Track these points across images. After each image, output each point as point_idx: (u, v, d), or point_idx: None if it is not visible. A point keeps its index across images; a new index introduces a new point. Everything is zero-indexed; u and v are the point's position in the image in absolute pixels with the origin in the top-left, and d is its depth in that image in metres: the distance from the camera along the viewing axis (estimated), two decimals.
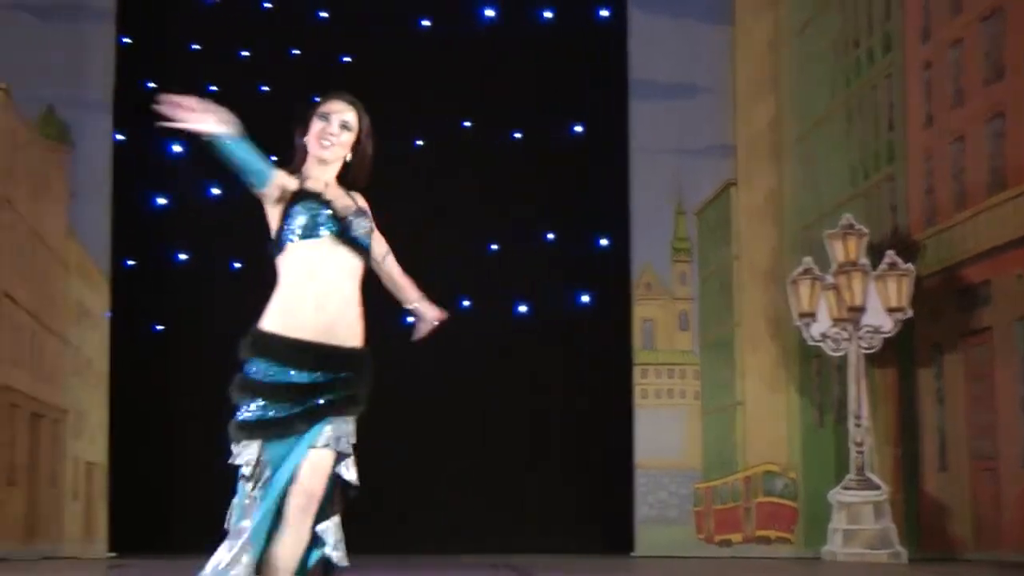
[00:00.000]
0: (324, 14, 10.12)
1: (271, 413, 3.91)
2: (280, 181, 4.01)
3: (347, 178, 4.10)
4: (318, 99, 4.09)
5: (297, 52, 9.89)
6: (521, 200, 10.16)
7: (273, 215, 4.03)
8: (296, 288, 3.98)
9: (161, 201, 9.97)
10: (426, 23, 10.27)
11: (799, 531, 10.07)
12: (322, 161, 4.07)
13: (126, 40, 9.91)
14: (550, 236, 10.42)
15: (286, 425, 3.90)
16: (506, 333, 10.21)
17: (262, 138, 9.95)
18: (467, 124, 10.01)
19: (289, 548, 3.87)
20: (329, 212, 3.97)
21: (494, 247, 10.37)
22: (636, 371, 10.33)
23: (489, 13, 10.37)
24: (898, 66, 10.11)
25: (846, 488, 9.26)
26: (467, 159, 10.06)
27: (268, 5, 10.04)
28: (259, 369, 3.94)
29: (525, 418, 10.05)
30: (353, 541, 3.93)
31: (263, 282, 9.44)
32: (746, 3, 10.73)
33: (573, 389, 10.14)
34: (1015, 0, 9.10)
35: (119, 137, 9.80)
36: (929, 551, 9.36)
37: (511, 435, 10.02)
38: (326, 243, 3.97)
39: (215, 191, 9.95)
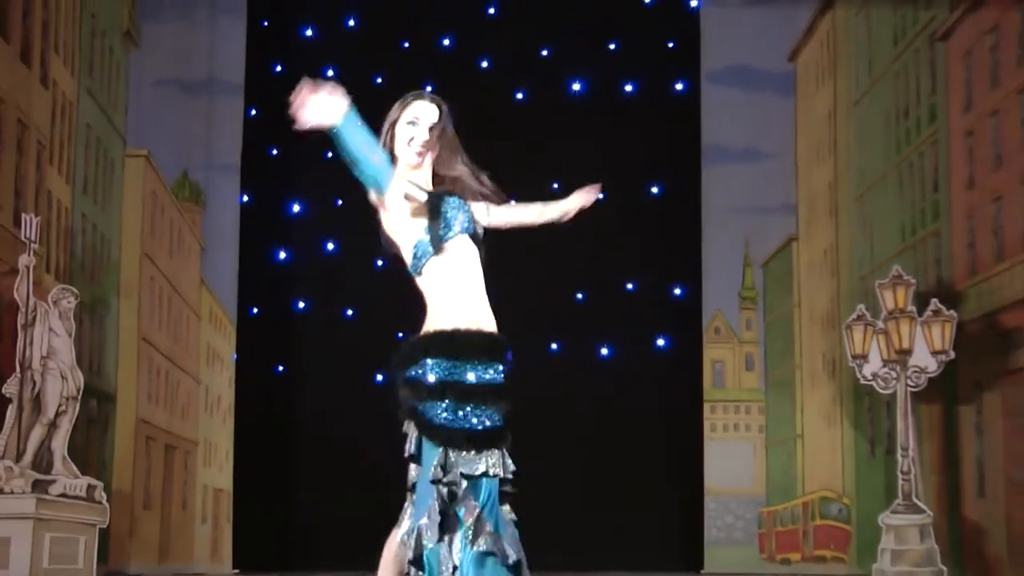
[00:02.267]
0: (429, 87, 10.51)
1: (464, 424, 3.79)
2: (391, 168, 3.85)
3: (440, 168, 4.00)
4: (398, 106, 4.05)
5: None
6: (605, 253, 10.42)
7: (402, 218, 3.87)
8: (454, 288, 3.87)
9: (282, 255, 10.41)
10: (520, 96, 10.71)
11: (852, 551, 10.33)
12: (416, 166, 3.98)
13: (253, 111, 10.51)
14: (630, 286, 10.63)
15: (470, 438, 3.80)
16: (590, 373, 10.44)
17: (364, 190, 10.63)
18: (556, 186, 9.69)
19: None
20: (469, 213, 3.95)
21: (580, 296, 10.62)
22: (706, 407, 10.63)
23: (576, 87, 10.72)
24: (943, 134, 10.29)
25: (894, 512, 9.29)
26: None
27: (379, 80, 10.38)
28: (436, 370, 3.78)
29: (607, 449, 10.24)
30: None
31: (372, 328, 10.29)
32: (808, 77, 11.02)
33: (650, 423, 10.33)
34: None
35: (245, 198, 10.40)
36: (969, 570, 9.53)
37: (594, 464, 10.24)
38: (467, 241, 3.93)
39: (330, 246, 10.33)
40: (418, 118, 4.02)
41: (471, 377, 3.85)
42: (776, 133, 10.76)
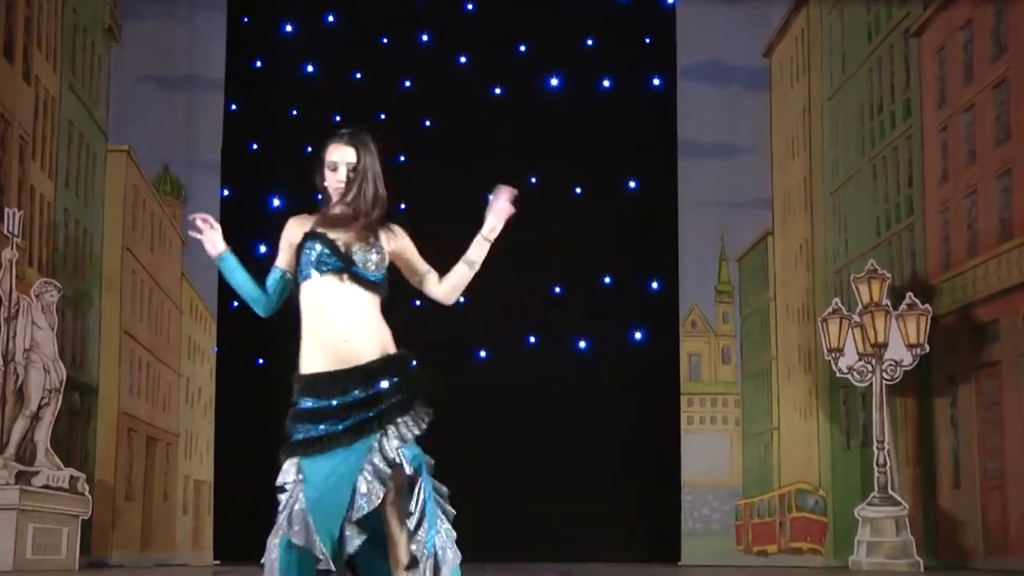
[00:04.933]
0: (408, 83, 10.79)
1: (313, 433, 3.98)
2: (288, 247, 4.14)
3: (358, 213, 4.08)
4: (324, 147, 4.15)
5: (383, 117, 10.48)
6: (582, 248, 10.64)
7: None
8: (309, 327, 4.07)
9: (262, 249, 10.12)
10: (498, 91, 10.90)
11: (828, 543, 10.43)
12: (339, 202, 4.12)
13: (233, 107, 10.66)
14: (607, 280, 10.82)
15: (329, 441, 3.95)
16: (568, 366, 10.60)
17: None
18: (533, 180, 10.45)
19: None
20: (328, 251, 4.03)
21: (557, 290, 10.81)
22: (683, 400, 10.76)
23: (554, 82, 10.92)
24: (917, 129, 10.40)
25: (870, 504, 9.53)
26: (534, 211, 10.02)
27: (358, 76, 10.73)
28: (304, 403, 4.06)
29: (584, 441, 10.40)
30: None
31: None
32: (782, 73, 11.15)
33: (627, 416, 10.48)
34: (1021, 70, 9.35)
35: (225, 192, 10.54)
36: (944, 560, 9.65)
37: (571, 456, 10.38)
38: (331, 280, 4.03)
39: None
40: (336, 162, 4.19)
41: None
42: (751, 128, 10.88)
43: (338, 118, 10.53)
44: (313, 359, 4.09)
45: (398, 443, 4.01)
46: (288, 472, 4.05)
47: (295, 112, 10.77)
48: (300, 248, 4.14)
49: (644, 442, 10.63)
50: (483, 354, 10.81)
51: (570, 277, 10.84)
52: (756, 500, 10.77)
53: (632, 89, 10.96)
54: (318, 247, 4.08)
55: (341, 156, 4.18)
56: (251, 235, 10.06)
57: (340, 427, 3.98)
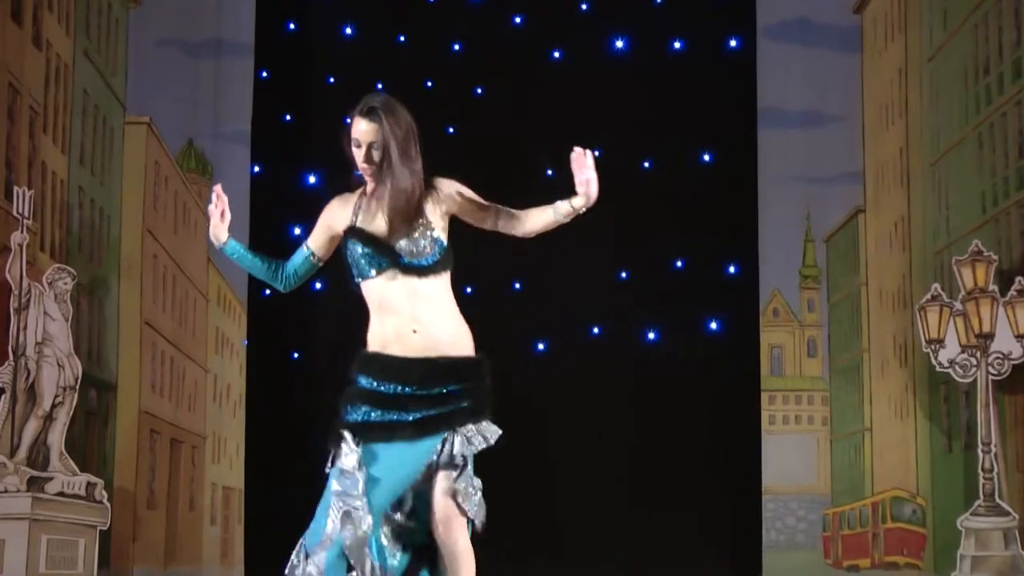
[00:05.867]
0: (457, 47, 10.76)
1: (374, 416, 4.14)
2: (325, 231, 4.32)
3: (389, 195, 4.20)
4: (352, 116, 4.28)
5: (431, 84, 10.52)
6: (651, 228, 10.58)
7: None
8: (378, 321, 4.23)
9: (297, 231, 10.33)
10: (557, 55, 10.82)
11: (927, 557, 10.36)
12: (372, 182, 4.27)
13: (264, 74, 10.67)
14: (679, 263, 10.75)
15: (392, 429, 4.13)
16: (636, 359, 10.59)
17: None
18: (597, 153, 10.38)
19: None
20: (370, 250, 4.18)
21: (623, 275, 10.76)
22: (764, 397, 10.73)
23: (619, 44, 10.84)
24: None
25: (975, 514, 9.51)
26: (598, 187, 10.60)
27: (402, 39, 10.70)
28: (366, 382, 4.21)
29: (653, 443, 10.40)
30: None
31: None
32: (875, 31, 11.06)
33: (702, 415, 10.44)
34: None
35: (256, 169, 10.54)
36: None
37: (639, 459, 10.40)
38: (387, 277, 4.20)
39: None
40: (358, 140, 4.30)
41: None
42: (840, 94, 10.84)
43: (380, 86, 10.51)
44: (380, 342, 4.22)
45: (462, 450, 4.18)
46: (349, 457, 4.12)
47: (332, 79, 10.74)
48: (343, 247, 4.30)
49: (720, 444, 10.60)
50: (541, 347, 10.76)
51: (638, 261, 10.79)
52: (846, 509, 10.77)
53: (707, 51, 10.89)
54: (360, 248, 4.21)
55: (362, 134, 4.27)
56: (284, 215, 10.35)
57: (409, 417, 4.13)
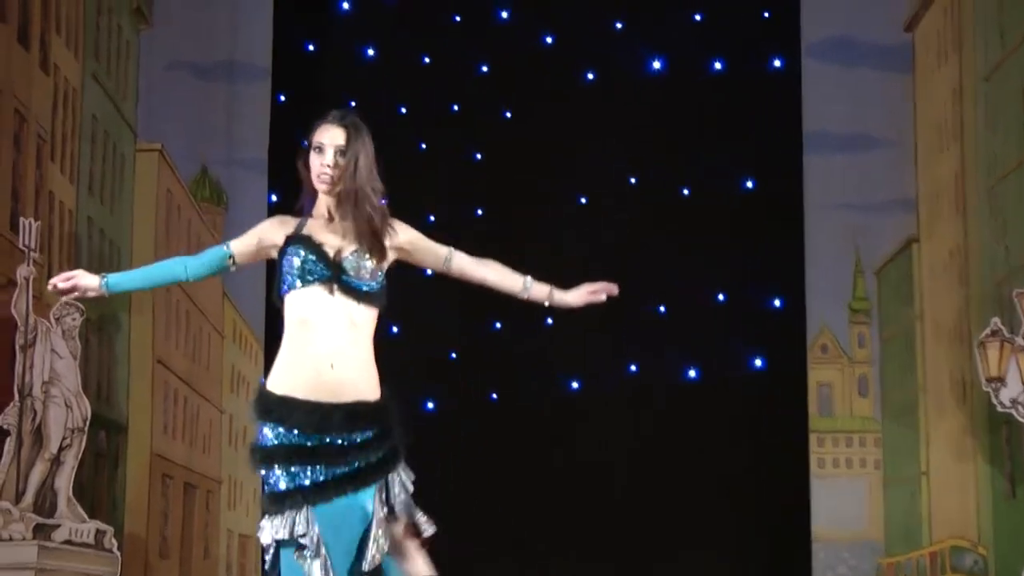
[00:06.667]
0: (484, 68, 10.87)
1: (304, 481, 4.11)
2: (256, 240, 4.29)
3: (347, 209, 4.24)
4: (310, 131, 4.37)
5: (457, 108, 10.64)
6: (690, 259, 10.63)
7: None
8: (294, 344, 4.20)
9: None
10: (590, 76, 10.90)
11: None
12: (326, 194, 4.30)
13: (282, 97, 10.80)
14: (721, 297, 10.82)
15: (328, 489, 4.11)
16: (674, 398, 10.63)
17: (420, 194, 11.04)
18: (633, 180, 10.60)
19: None
20: (313, 257, 4.17)
21: (662, 309, 10.81)
22: (812, 439, 10.72)
23: (656, 65, 10.93)
24: None
25: None
26: (633, 217, 10.63)
27: (426, 60, 10.82)
28: (273, 434, 4.16)
29: (695, 487, 10.42)
30: None
31: (420, 347, 10.66)
32: (927, 48, 11.09)
33: (746, 458, 10.48)
34: None
35: (273, 197, 10.57)
36: None
37: (680, 505, 10.40)
38: (321, 291, 4.18)
39: None
40: (323, 143, 4.32)
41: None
42: (890, 116, 10.85)
43: (403, 109, 10.82)
44: (289, 378, 4.19)
45: (402, 494, 4.23)
46: (301, 523, 4.10)
47: (353, 103, 10.54)
48: (281, 254, 4.24)
49: (767, 489, 10.62)
50: (575, 385, 10.85)
51: (677, 294, 10.84)
52: (902, 559, 10.73)
53: (748, 71, 10.95)
54: (302, 252, 4.19)
55: (330, 138, 4.29)
56: None
57: (346, 470, 4.14)
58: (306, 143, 4.38)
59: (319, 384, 4.16)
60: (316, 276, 4.19)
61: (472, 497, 10.21)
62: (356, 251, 4.24)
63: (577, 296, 4.57)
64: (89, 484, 9.95)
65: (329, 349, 4.17)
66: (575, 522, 10.30)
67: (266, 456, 4.17)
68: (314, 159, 4.32)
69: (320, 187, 4.30)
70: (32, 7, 10.11)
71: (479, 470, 10.43)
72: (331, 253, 4.22)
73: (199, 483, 10.89)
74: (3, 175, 9.73)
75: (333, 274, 4.19)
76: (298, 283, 4.19)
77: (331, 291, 4.18)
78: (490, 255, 9.97)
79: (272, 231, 4.31)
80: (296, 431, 4.15)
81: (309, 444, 4.14)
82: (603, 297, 4.57)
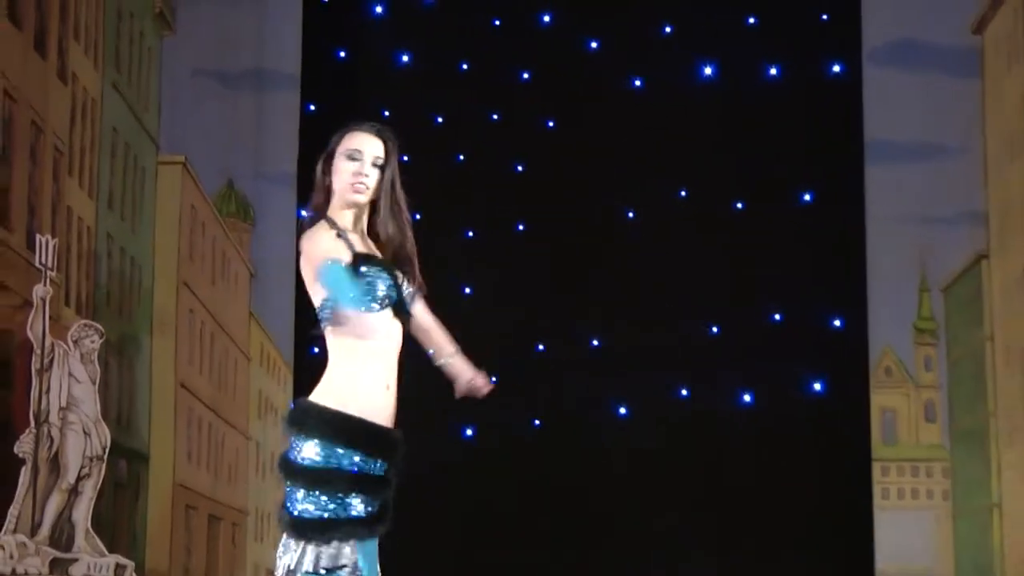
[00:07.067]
0: (526, 75, 10.83)
1: (354, 512, 4.07)
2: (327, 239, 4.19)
3: (387, 227, 4.25)
4: (336, 136, 4.36)
5: (497, 117, 10.60)
6: (744, 277, 10.58)
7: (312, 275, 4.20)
8: (352, 362, 4.19)
9: None
10: (637, 83, 10.85)
11: None
12: (353, 206, 4.27)
13: (311, 107, 10.75)
14: (777, 317, 10.72)
15: (376, 523, 4.11)
16: (728, 425, 10.55)
17: (457, 208, 11.04)
18: (683, 194, 10.53)
19: None
20: (390, 281, 4.18)
21: (715, 329, 10.73)
22: (876, 468, 10.67)
23: (707, 71, 10.86)
24: None
25: None
26: (683, 232, 10.54)
27: (465, 67, 10.79)
28: (323, 454, 4.10)
29: (750, 519, 10.36)
30: None
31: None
32: (997, 53, 11.03)
33: (804, 488, 10.37)
34: None
35: (303, 213, 10.65)
36: None
37: (734, 537, 10.36)
38: (386, 315, 4.19)
39: None
40: (361, 151, 4.28)
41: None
42: (957, 124, 10.84)
43: (440, 119, 10.74)
44: (347, 395, 4.16)
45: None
46: (346, 555, 4.09)
47: (387, 113, 10.56)
48: (354, 272, 4.15)
49: (827, 521, 10.52)
50: (623, 411, 10.75)
51: (730, 314, 10.77)
52: None
53: (806, 77, 10.87)
54: (385, 276, 4.19)
55: (369, 148, 4.27)
56: None
57: (382, 501, 4.14)
58: (332, 147, 4.35)
59: (376, 406, 4.16)
60: (392, 301, 4.21)
61: (513, 530, 10.17)
62: (403, 272, 4.28)
63: (465, 380, 4.42)
64: (108, 516, 9.96)
65: (385, 370, 4.18)
66: (623, 558, 10.25)
67: (316, 478, 4.10)
68: (346, 165, 4.28)
69: (353, 196, 4.26)
70: (49, 13, 10.16)
71: (520, 501, 10.34)
72: (399, 276, 4.26)
73: (224, 515, 10.90)
74: (19, 189, 9.77)
75: (399, 298, 4.23)
76: (375, 306, 4.16)
77: (393, 314, 4.22)
78: (532, 273, 9.92)
79: (338, 253, 4.19)
80: (354, 455, 4.10)
81: (363, 471, 4.10)
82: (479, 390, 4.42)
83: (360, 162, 4.25)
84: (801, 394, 10.74)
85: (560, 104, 10.87)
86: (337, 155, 4.29)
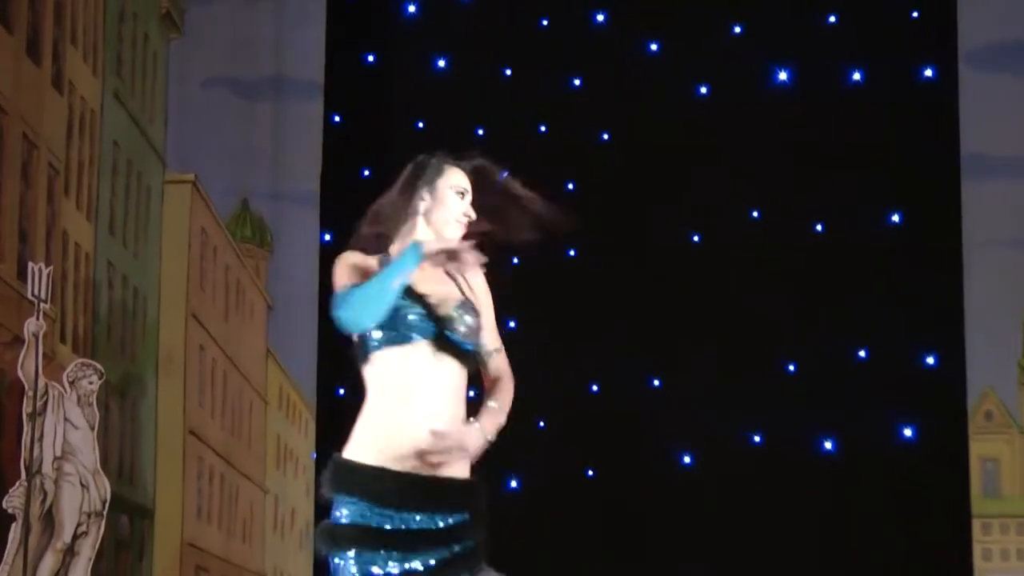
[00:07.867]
0: (577, 82, 10.79)
1: (395, 570, 4.10)
2: (353, 264, 4.31)
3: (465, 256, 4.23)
4: (437, 164, 4.48)
5: (545, 129, 10.56)
6: (825, 308, 10.47)
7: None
8: (381, 406, 4.25)
9: None
10: (703, 91, 10.79)
11: None
12: (448, 242, 4.27)
13: (336, 119, 10.72)
14: (862, 353, 10.59)
15: None
16: (807, 475, 10.40)
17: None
18: (755, 214, 10.45)
19: None
20: (422, 310, 4.22)
21: (791, 368, 10.60)
22: (976, 525, 10.54)
23: (782, 76, 10.81)
24: None
25: None
26: (756, 257, 10.48)
27: (508, 73, 10.75)
28: (352, 511, 4.15)
29: None
30: None
31: None
32: None
33: (894, 547, 10.26)
34: None
35: (327, 237, 10.47)
36: None
37: None
38: (422, 350, 4.22)
39: None
40: (466, 189, 4.46)
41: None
42: None
43: (481, 131, 10.61)
44: (376, 447, 4.21)
45: None
46: None
47: (421, 124, 10.77)
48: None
49: None
50: (687, 460, 10.62)
51: (809, 350, 10.63)
52: None
53: (893, 83, 10.74)
54: (411, 305, 4.22)
55: (467, 185, 4.46)
56: None
57: (432, 561, 4.15)
58: (431, 177, 4.47)
59: (411, 454, 4.17)
60: (419, 333, 4.22)
61: None
62: (460, 303, 4.31)
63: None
64: None
65: (427, 413, 4.19)
66: None
67: (344, 537, 4.15)
68: (453, 201, 4.42)
69: (455, 233, 4.38)
70: (43, 14, 10.25)
71: (572, 559, 10.23)
72: (437, 305, 4.27)
73: None
74: (9, 213, 9.83)
75: (438, 329, 4.24)
76: (395, 340, 4.22)
77: (434, 349, 4.24)
78: (584, 305, 9.81)
79: (362, 261, 4.35)
80: (384, 508, 4.15)
81: (396, 527, 4.14)
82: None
83: (464, 199, 4.42)
84: (890, 441, 10.61)
85: (616, 114, 10.83)
86: (443, 187, 4.43)
